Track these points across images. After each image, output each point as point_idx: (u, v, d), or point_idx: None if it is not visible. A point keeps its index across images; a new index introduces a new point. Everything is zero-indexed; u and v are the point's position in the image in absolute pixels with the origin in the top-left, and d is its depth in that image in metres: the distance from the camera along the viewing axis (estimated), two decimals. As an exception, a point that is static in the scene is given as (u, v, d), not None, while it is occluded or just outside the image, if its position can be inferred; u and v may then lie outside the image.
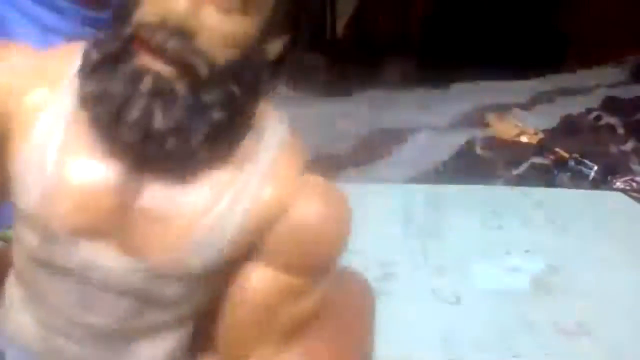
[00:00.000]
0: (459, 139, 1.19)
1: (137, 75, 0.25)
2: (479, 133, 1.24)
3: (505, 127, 1.26)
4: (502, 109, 1.39)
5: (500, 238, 0.78)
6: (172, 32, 0.25)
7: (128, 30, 0.26)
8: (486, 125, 1.30)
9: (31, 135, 0.27)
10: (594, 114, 1.40)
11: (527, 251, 0.75)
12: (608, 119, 1.36)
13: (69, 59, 0.28)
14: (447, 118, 1.38)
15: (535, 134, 1.24)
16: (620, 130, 1.31)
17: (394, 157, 1.14)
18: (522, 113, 1.38)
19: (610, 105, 1.46)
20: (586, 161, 1.10)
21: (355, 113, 1.37)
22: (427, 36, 2.65)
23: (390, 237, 0.79)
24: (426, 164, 1.10)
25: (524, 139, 1.22)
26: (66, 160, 0.27)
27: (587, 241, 0.77)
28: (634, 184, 1.04)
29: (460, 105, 1.44)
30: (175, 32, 0.25)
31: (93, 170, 0.27)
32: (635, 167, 1.12)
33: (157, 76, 0.25)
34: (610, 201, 0.91)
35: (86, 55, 0.26)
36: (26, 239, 0.28)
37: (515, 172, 1.09)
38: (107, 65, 0.26)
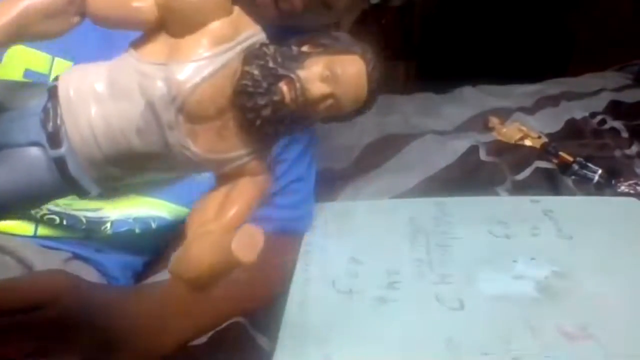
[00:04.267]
0: (462, 143, 1.18)
1: (276, 105, 0.31)
2: (482, 137, 1.24)
3: (509, 131, 1.26)
4: (506, 113, 1.38)
5: (507, 247, 0.78)
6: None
7: (287, 74, 0.31)
8: (490, 129, 1.30)
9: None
10: (598, 117, 1.39)
11: (533, 259, 0.75)
12: (612, 123, 1.36)
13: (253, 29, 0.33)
14: (451, 123, 1.38)
15: (539, 137, 1.23)
16: (625, 134, 1.31)
17: (397, 163, 1.14)
18: (525, 117, 1.37)
19: (615, 109, 1.46)
20: (590, 165, 1.10)
21: (358, 119, 1.36)
22: (429, 39, 2.65)
23: (396, 247, 0.79)
24: (430, 169, 1.10)
25: (527, 142, 1.22)
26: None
27: (595, 247, 0.77)
28: (639, 188, 1.03)
29: (463, 110, 1.44)
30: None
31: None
32: (639, 170, 1.12)
33: (287, 110, 0.32)
34: (620, 207, 0.91)
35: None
36: (151, 73, 0.31)
37: (519, 176, 1.09)
38: (261, 81, 0.32)
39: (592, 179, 1.08)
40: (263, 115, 0.32)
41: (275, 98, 0.31)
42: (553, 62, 2.47)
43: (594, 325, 0.62)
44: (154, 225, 0.71)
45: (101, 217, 0.68)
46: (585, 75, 1.83)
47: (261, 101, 0.31)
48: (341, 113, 0.33)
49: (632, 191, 1.03)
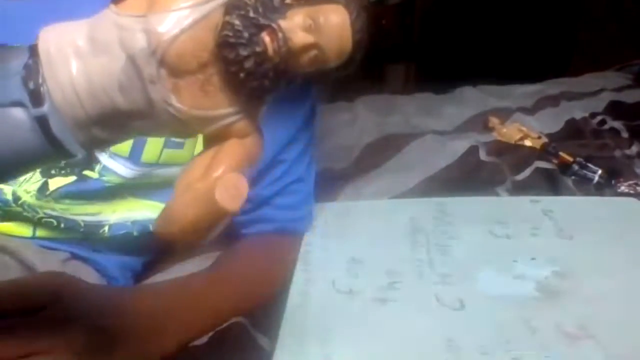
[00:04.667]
0: (462, 143, 1.18)
1: (259, 56, 0.31)
2: (482, 137, 1.24)
3: (509, 131, 1.26)
4: (506, 113, 1.38)
5: (507, 247, 0.78)
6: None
7: (268, 24, 0.31)
8: (490, 129, 1.30)
9: None
10: (598, 118, 1.39)
11: (533, 259, 0.75)
12: (612, 123, 1.36)
13: None
14: (451, 123, 1.38)
15: (539, 138, 1.23)
16: (625, 135, 1.31)
17: (397, 163, 1.14)
18: (525, 117, 1.37)
19: (615, 109, 1.46)
20: (590, 165, 1.10)
21: (358, 119, 1.36)
22: (429, 39, 2.65)
23: (396, 247, 0.79)
24: (430, 169, 1.10)
25: (527, 143, 1.22)
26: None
27: (595, 247, 0.77)
28: (639, 188, 1.03)
29: (463, 110, 1.44)
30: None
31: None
32: (639, 171, 1.12)
33: (271, 63, 0.31)
34: (620, 207, 0.91)
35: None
36: (130, 25, 0.31)
37: (519, 176, 1.09)
38: (242, 31, 0.31)
39: (592, 179, 1.08)
40: (246, 67, 0.31)
41: (258, 49, 0.31)
42: (553, 62, 2.47)
43: (594, 325, 0.61)
44: (152, 228, 0.71)
45: (99, 221, 0.68)
46: (585, 75, 1.83)
47: (243, 52, 0.31)
48: (326, 65, 0.32)
49: (632, 191, 1.03)
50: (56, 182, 0.65)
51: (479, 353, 0.58)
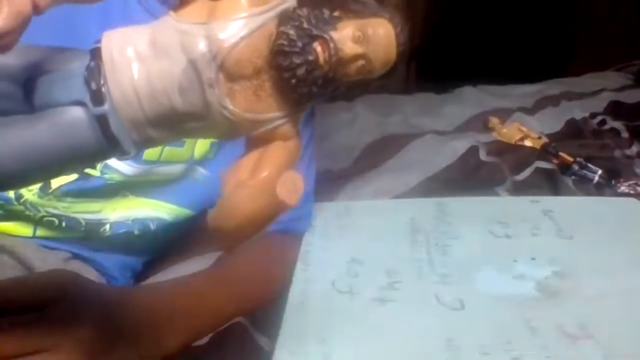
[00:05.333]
0: (462, 143, 1.19)
1: (311, 64, 0.33)
2: (482, 137, 1.24)
3: (509, 131, 1.26)
4: (506, 113, 1.38)
5: (507, 247, 0.78)
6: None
7: (321, 34, 0.33)
8: (490, 129, 1.30)
9: None
10: (599, 118, 1.39)
11: (533, 259, 0.75)
12: (612, 123, 1.36)
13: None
14: (451, 123, 1.38)
15: (539, 138, 1.23)
16: (625, 135, 1.31)
17: (398, 163, 1.14)
18: (525, 117, 1.37)
19: (615, 109, 1.46)
20: (590, 165, 1.10)
21: (358, 119, 1.36)
22: (429, 39, 2.65)
23: (396, 247, 0.79)
24: (430, 169, 1.10)
25: (527, 143, 1.22)
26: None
27: (595, 247, 0.77)
28: (639, 188, 1.03)
29: (463, 110, 1.44)
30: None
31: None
32: (639, 171, 1.12)
33: (321, 72, 0.34)
34: (620, 207, 0.91)
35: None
36: (192, 31, 0.33)
37: (519, 176, 1.09)
38: (296, 40, 0.33)
39: (592, 179, 1.08)
40: (298, 75, 0.33)
41: (310, 57, 0.33)
42: (553, 62, 2.47)
43: (594, 325, 0.62)
44: (153, 227, 0.71)
45: (100, 219, 0.68)
46: (585, 75, 1.84)
47: (297, 60, 0.33)
48: (371, 75, 0.35)
49: (632, 191, 1.03)
50: (58, 180, 0.65)
51: (479, 353, 0.58)
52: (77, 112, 0.33)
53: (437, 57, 2.59)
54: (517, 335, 0.61)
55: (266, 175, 0.34)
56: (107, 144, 0.33)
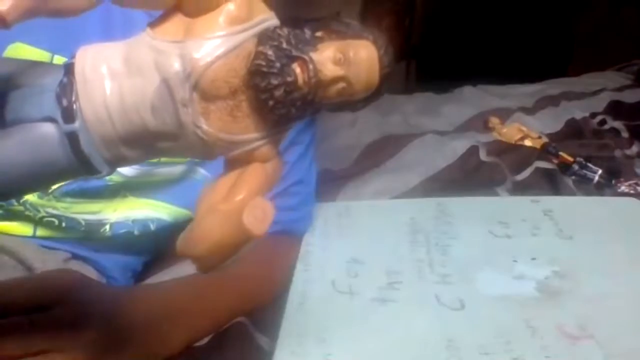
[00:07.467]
0: (463, 143, 1.19)
1: (289, 86, 0.32)
2: (482, 137, 1.24)
3: (509, 131, 1.26)
4: (506, 113, 1.38)
5: (507, 247, 0.78)
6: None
7: (300, 55, 0.32)
8: (490, 129, 1.30)
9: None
10: (599, 118, 1.40)
11: (533, 259, 0.75)
12: (613, 123, 1.36)
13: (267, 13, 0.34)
14: (451, 123, 1.38)
15: (539, 137, 1.23)
16: (625, 134, 1.31)
17: (398, 163, 1.14)
18: (525, 117, 1.37)
19: (615, 109, 1.46)
20: (590, 165, 1.10)
21: (358, 119, 1.36)
22: (429, 39, 2.65)
23: (396, 247, 0.79)
24: (430, 169, 1.10)
25: (527, 143, 1.22)
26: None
27: (595, 247, 0.77)
28: (639, 188, 1.03)
29: (463, 110, 1.44)
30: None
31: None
32: (639, 170, 1.12)
33: (300, 93, 0.33)
34: (620, 207, 0.91)
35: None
36: (167, 50, 0.32)
37: (519, 176, 1.09)
38: (275, 61, 0.32)
39: (592, 179, 1.08)
40: (276, 96, 0.32)
41: (289, 79, 0.32)
42: (553, 62, 2.47)
43: (594, 325, 0.61)
44: (152, 227, 0.71)
45: (100, 220, 0.68)
46: (585, 75, 1.84)
47: (274, 81, 0.32)
48: (352, 97, 0.34)
49: (632, 191, 1.03)
50: None
51: (479, 353, 0.58)
52: (47, 129, 0.32)
53: (437, 57, 2.59)
54: (517, 335, 0.61)
55: (240, 199, 0.33)
56: (78, 161, 0.33)
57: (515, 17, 2.58)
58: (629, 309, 0.65)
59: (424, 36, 2.66)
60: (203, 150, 0.34)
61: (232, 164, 0.35)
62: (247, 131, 0.33)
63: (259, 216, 0.33)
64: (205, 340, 0.65)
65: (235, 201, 0.33)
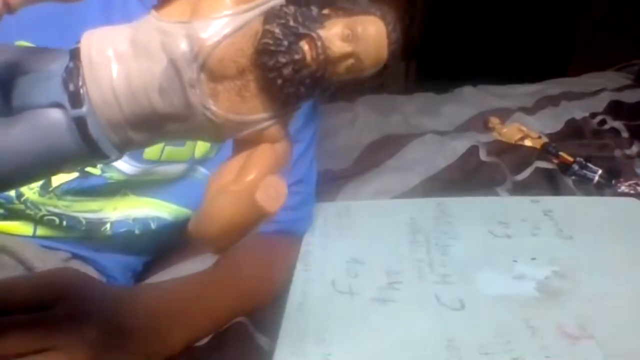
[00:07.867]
0: (463, 143, 1.19)
1: (297, 64, 0.31)
2: (482, 137, 1.24)
3: (509, 131, 1.26)
4: (506, 113, 1.38)
5: (507, 247, 0.78)
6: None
7: (308, 32, 0.32)
8: (490, 129, 1.30)
9: None
10: (599, 118, 1.40)
11: (533, 259, 0.75)
12: (613, 123, 1.36)
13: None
14: (451, 123, 1.38)
15: (539, 137, 1.23)
16: (625, 134, 1.31)
17: (398, 163, 1.14)
18: (525, 117, 1.37)
19: (615, 109, 1.46)
20: (590, 165, 1.10)
21: (358, 119, 1.36)
22: (429, 39, 2.65)
23: (396, 247, 0.79)
24: (430, 169, 1.10)
25: (527, 143, 1.22)
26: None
27: (595, 247, 0.77)
28: (639, 188, 1.03)
29: (463, 110, 1.44)
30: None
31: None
32: (639, 170, 1.12)
33: (308, 71, 0.32)
34: (620, 207, 0.91)
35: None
36: (173, 31, 0.32)
37: (519, 176, 1.09)
38: (282, 39, 0.32)
39: (592, 179, 1.08)
40: (284, 74, 0.32)
41: (297, 56, 0.32)
42: (553, 62, 2.47)
43: (594, 325, 0.61)
44: (153, 226, 0.71)
45: (101, 218, 0.68)
46: (585, 75, 1.84)
47: (282, 59, 0.31)
48: (361, 74, 0.33)
49: (632, 191, 1.03)
50: (59, 178, 0.65)
51: (479, 353, 0.58)
52: (55, 115, 0.32)
53: (437, 56, 2.59)
54: (517, 335, 0.61)
55: (251, 179, 0.33)
56: (86, 146, 0.33)
57: (515, 17, 2.58)
58: (629, 309, 0.65)
59: (424, 36, 2.66)
60: (211, 131, 0.33)
61: (241, 146, 0.35)
62: (255, 111, 0.33)
63: (272, 194, 0.32)
64: (205, 340, 0.65)
65: (245, 181, 0.33)
